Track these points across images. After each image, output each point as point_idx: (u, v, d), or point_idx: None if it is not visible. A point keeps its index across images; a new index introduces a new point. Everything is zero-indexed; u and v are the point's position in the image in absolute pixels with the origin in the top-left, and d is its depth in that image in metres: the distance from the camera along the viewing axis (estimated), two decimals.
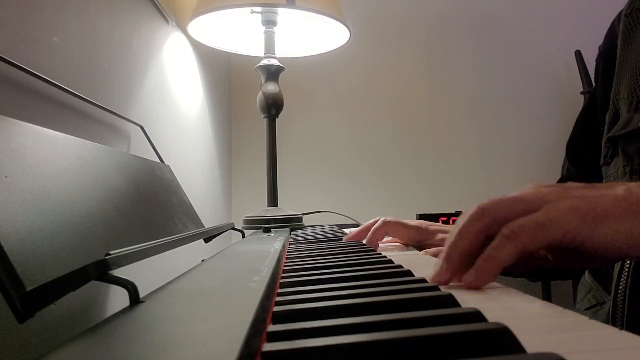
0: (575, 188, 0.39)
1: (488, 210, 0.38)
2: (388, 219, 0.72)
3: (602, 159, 0.70)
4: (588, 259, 0.38)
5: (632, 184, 0.38)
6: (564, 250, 0.37)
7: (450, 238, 0.39)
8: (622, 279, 0.57)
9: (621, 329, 0.23)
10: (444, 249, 0.39)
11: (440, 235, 0.72)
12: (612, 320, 0.58)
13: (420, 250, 0.66)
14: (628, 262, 0.56)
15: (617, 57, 0.69)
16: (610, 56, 0.72)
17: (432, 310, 0.25)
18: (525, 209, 0.37)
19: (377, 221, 0.73)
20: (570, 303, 1.41)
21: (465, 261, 0.37)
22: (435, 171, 1.76)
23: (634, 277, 0.56)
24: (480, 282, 0.35)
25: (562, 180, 0.86)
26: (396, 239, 0.75)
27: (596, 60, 0.79)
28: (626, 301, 0.56)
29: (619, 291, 0.57)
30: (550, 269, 0.45)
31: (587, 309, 0.69)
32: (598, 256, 0.37)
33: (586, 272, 0.74)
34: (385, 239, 0.75)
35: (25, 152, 0.37)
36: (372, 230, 0.71)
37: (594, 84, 0.81)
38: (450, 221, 1.52)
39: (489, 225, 0.38)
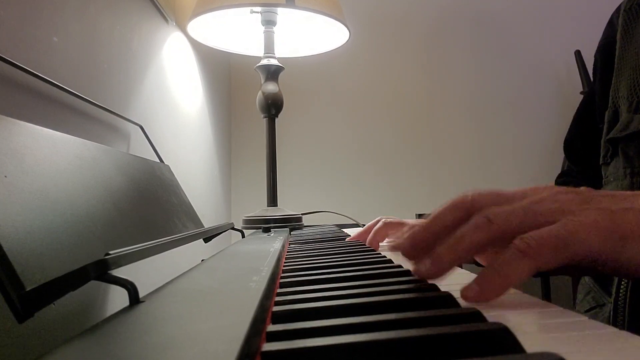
0: (597, 198, 0.35)
1: (497, 222, 0.33)
2: (389, 219, 0.72)
3: (601, 159, 0.69)
4: (601, 274, 0.36)
5: None
6: (575, 266, 0.33)
7: (445, 243, 0.35)
8: (623, 281, 0.57)
9: (622, 331, 0.23)
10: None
11: None
12: (613, 322, 0.58)
13: None
14: None
15: (617, 52, 0.68)
16: (609, 51, 0.71)
17: (432, 310, 0.25)
18: (540, 224, 0.33)
19: (377, 222, 0.73)
20: (569, 302, 1.41)
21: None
22: (435, 171, 1.76)
23: (635, 281, 0.56)
24: (484, 297, 0.31)
25: (562, 175, 0.85)
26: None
27: (594, 56, 0.77)
28: (627, 303, 0.56)
29: (620, 293, 0.57)
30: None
31: (587, 311, 0.69)
32: (616, 275, 0.34)
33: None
34: (387, 240, 0.75)
35: (25, 152, 0.37)
36: (372, 231, 0.71)
37: (592, 80, 0.80)
38: None
39: (494, 239, 0.33)
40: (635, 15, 0.67)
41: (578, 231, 0.31)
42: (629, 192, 0.35)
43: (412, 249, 0.36)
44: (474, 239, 0.33)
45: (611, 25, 0.74)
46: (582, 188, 0.36)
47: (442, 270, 0.34)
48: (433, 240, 0.36)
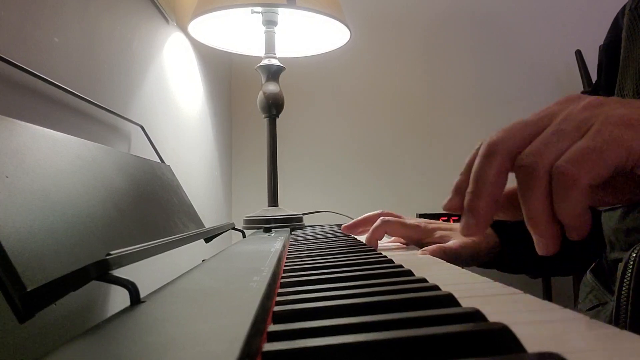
0: (611, 101, 0.33)
1: (501, 145, 0.32)
2: (387, 218, 0.72)
3: None
4: None
5: None
6: (614, 184, 0.31)
7: (472, 187, 0.33)
8: (625, 279, 0.57)
9: (624, 329, 0.23)
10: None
11: (439, 233, 0.72)
12: (615, 320, 0.58)
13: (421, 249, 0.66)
14: (632, 261, 0.56)
15: (622, 51, 0.69)
16: (614, 50, 0.71)
17: (432, 310, 0.25)
18: (566, 138, 0.31)
19: (376, 214, 0.72)
20: (570, 302, 1.41)
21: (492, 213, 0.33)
22: (435, 171, 1.76)
23: (638, 278, 0.56)
24: (583, 232, 0.30)
25: None
26: (400, 240, 0.75)
27: (599, 54, 0.78)
28: (630, 302, 0.56)
29: (622, 291, 0.57)
30: (552, 265, 0.41)
31: (589, 309, 0.69)
32: None
33: (588, 271, 0.74)
34: (385, 239, 0.75)
35: (25, 152, 0.37)
36: (371, 229, 0.71)
37: (596, 78, 0.80)
38: (451, 220, 1.51)
39: (508, 164, 0.32)
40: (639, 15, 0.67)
41: (611, 134, 0.30)
42: (632, 99, 0.34)
43: (484, 218, 0.33)
44: (491, 171, 0.32)
45: (616, 24, 0.74)
46: (588, 97, 0.34)
47: (481, 223, 0.32)
48: (493, 198, 0.33)
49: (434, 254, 0.63)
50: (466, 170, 0.36)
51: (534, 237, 0.32)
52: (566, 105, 0.34)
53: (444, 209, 0.36)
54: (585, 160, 0.29)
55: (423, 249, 0.65)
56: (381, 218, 0.71)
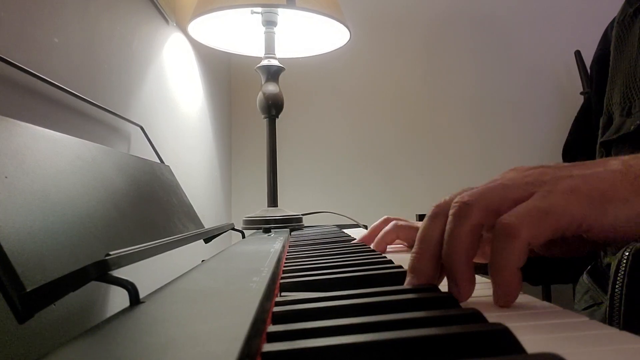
0: (566, 167, 0.34)
1: (476, 204, 0.32)
2: (400, 222, 0.71)
3: None
4: (592, 245, 0.34)
5: (626, 157, 0.34)
6: (563, 239, 0.32)
7: (447, 244, 0.33)
8: (618, 279, 0.57)
9: (618, 329, 0.23)
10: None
11: None
12: (609, 320, 0.58)
13: None
14: (625, 261, 0.56)
15: (610, 62, 0.71)
16: (604, 62, 0.73)
17: (432, 310, 0.25)
18: (517, 197, 0.32)
19: (384, 222, 0.71)
20: (570, 303, 1.41)
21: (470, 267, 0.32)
22: (435, 171, 1.76)
23: (630, 277, 0.56)
24: (510, 298, 0.30)
25: None
26: (403, 243, 0.74)
27: (590, 67, 0.81)
28: (622, 301, 0.56)
29: (616, 291, 0.57)
30: (551, 271, 0.42)
31: (585, 309, 0.69)
32: (605, 241, 0.33)
33: (584, 272, 0.74)
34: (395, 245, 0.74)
35: (25, 153, 0.37)
36: (383, 232, 0.69)
37: (587, 89, 0.82)
38: None
39: (481, 222, 0.32)
40: (627, 27, 0.69)
41: (557, 199, 0.31)
42: (599, 160, 0.35)
43: (426, 278, 0.34)
44: (464, 230, 0.32)
45: (606, 37, 0.76)
46: (551, 162, 0.36)
47: (465, 283, 0.32)
48: (436, 259, 0.34)
49: None
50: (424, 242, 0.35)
51: (451, 283, 0.32)
52: (511, 172, 0.36)
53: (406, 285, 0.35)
54: (532, 216, 0.30)
55: None
56: (393, 222, 0.70)
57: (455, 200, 0.33)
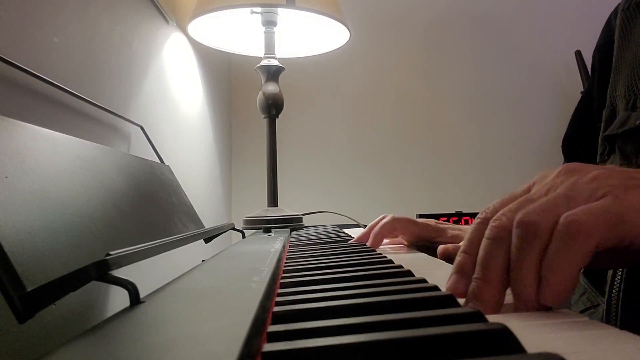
0: (627, 172, 0.31)
1: (544, 223, 0.29)
2: (397, 216, 0.71)
3: (598, 156, 0.69)
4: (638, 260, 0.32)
5: None
6: (625, 248, 0.29)
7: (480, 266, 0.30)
8: (615, 282, 0.57)
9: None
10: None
11: (450, 232, 0.71)
12: (606, 322, 0.58)
13: (428, 250, 0.65)
14: None
15: (614, 52, 0.68)
16: (607, 51, 0.71)
17: (432, 310, 0.25)
18: (585, 200, 0.29)
19: (383, 219, 0.71)
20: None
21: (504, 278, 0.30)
22: (435, 171, 1.76)
23: (628, 280, 0.56)
24: (563, 300, 0.28)
25: None
26: (400, 239, 0.74)
27: (592, 56, 0.77)
28: (620, 304, 0.56)
29: (613, 294, 0.56)
30: None
31: (582, 311, 0.69)
32: None
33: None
34: (386, 241, 0.74)
35: (25, 153, 0.37)
36: (380, 224, 0.69)
37: (589, 82, 0.80)
38: (451, 221, 1.52)
39: (533, 246, 0.29)
40: (633, 15, 0.67)
41: (630, 208, 0.28)
42: None
43: (492, 308, 0.30)
44: (536, 258, 0.28)
45: (609, 25, 0.74)
46: (610, 165, 0.33)
47: (491, 308, 0.29)
48: (502, 286, 0.31)
49: (450, 253, 0.62)
50: (469, 248, 0.33)
51: (517, 297, 0.29)
52: (568, 176, 0.33)
53: (447, 291, 0.32)
54: (605, 217, 0.27)
55: (442, 246, 0.64)
56: (391, 215, 0.70)
57: (519, 218, 0.30)
